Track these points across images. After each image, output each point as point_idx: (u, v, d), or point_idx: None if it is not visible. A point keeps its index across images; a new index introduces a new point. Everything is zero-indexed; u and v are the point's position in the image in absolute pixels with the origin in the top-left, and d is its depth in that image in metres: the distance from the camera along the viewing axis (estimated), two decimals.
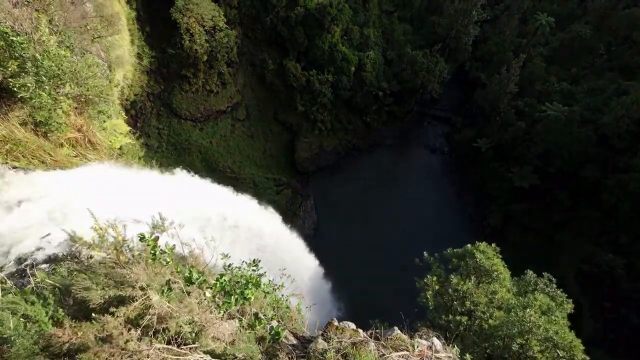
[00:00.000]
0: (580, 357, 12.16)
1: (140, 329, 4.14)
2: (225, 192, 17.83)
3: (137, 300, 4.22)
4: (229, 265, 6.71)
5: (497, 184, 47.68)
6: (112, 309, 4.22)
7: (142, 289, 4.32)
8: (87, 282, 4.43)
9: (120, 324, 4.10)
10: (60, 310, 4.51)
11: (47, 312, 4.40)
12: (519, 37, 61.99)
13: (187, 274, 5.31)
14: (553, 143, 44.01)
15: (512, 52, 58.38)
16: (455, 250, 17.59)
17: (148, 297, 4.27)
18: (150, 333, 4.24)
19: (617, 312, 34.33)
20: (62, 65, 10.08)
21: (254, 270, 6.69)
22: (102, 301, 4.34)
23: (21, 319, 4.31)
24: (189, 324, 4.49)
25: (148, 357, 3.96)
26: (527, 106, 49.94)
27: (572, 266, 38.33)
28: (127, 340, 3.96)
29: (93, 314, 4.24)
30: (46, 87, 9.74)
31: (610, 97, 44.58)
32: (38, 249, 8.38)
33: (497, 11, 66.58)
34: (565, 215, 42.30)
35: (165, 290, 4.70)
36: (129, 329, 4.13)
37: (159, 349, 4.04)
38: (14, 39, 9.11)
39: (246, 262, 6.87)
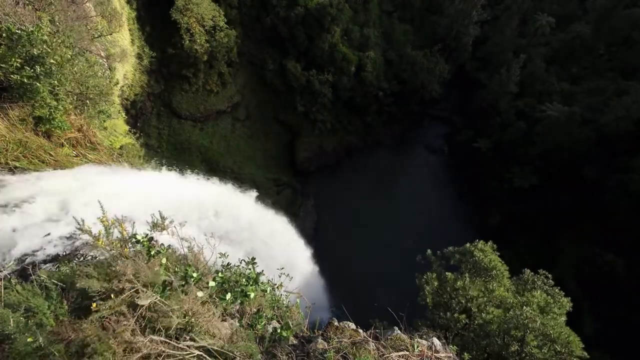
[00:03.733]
0: (578, 353, 12.16)
1: (134, 319, 4.16)
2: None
3: (125, 293, 4.25)
4: (228, 264, 6.73)
5: (497, 184, 47.60)
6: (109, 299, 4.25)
7: (129, 281, 4.33)
8: (88, 268, 4.47)
9: (114, 308, 4.13)
10: (64, 302, 4.54)
11: (49, 306, 4.42)
12: (519, 37, 61.97)
13: (182, 274, 5.32)
14: (553, 143, 43.97)
15: (512, 52, 58.37)
16: (454, 248, 17.66)
17: (136, 289, 4.29)
18: (147, 330, 4.26)
19: (617, 312, 34.26)
20: (64, 61, 10.10)
21: (250, 269, 6.70)
22: (102, 290, 4.35)
23: (21, 318, 4.32)
24: (183, 316, 4.51)
25: (145, 348, 3.97)
26: (527, 106, 49.89)
27: (572, 266, 38.25)
28: (124, 330, 3.98)
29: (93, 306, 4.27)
30: (53, 80, 9.74)
31: (610, 97, 44.53)
32: (39, 249, 8.40)
33: (497, 11, 66.56)
34: (566, 215, 42.26)
35: (160, 290, 4.70)
36: (127, 318, 4.16)
37: (157, 342, 4.06)
38: (20, 32, 9.11)
39: (244, 261, 6.89)
